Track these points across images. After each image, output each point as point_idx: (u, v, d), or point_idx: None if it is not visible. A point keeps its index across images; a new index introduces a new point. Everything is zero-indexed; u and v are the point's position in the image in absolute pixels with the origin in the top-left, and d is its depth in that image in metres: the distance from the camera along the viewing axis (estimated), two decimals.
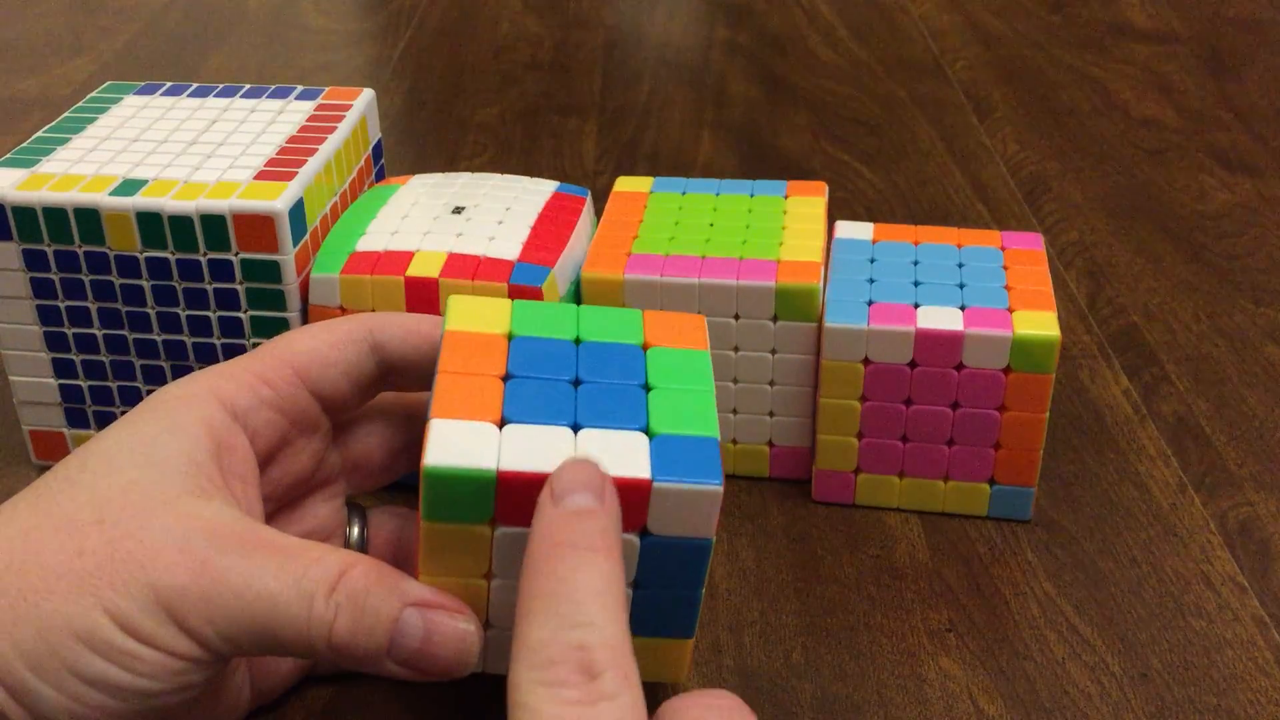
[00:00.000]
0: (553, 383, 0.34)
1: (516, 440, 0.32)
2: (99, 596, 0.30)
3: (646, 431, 0.33)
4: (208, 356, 0.45)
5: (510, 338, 0.35)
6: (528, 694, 0.27)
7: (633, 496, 0.31)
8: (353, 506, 0.40)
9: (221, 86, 0.52)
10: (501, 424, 0.32)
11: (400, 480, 0.41)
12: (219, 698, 0.35)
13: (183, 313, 0.44)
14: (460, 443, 0.32)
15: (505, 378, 0.34)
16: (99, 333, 0.45)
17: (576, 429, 0.33)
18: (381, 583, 0.32)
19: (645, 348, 0.36)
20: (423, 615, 0.32)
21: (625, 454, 0.32)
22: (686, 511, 0.32)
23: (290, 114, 0.49)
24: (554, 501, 0.30)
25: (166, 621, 0.30)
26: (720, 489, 0.32)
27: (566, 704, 0.27)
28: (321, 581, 0.31)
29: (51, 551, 0.31)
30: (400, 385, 0.38)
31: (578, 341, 0.36)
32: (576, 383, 0.34)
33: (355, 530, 0.39)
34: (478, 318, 0.36)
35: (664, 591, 0.33)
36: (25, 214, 0.43)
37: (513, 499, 0.31)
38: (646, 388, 0.34)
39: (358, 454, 0.39)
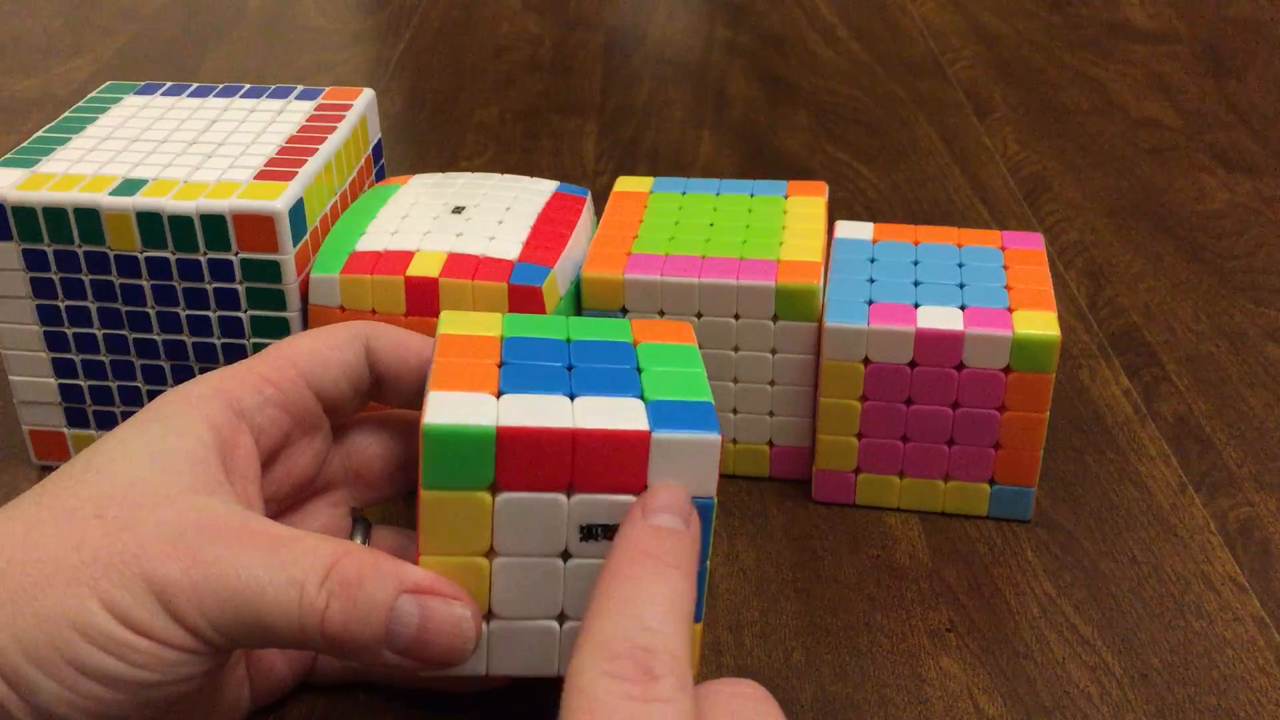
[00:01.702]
0: (547, 367, 0.35)
1: (515, 403, 0.33)
2: (94, 587, 0.30)
3: (642, 399, 0.33)
4: (208, 356, 0.45)
5: (503, 339, 0.36)
6: (590, 682, 0.28)
7: (632, 451, 0.32)
8: (358, 520, 0.40)
9: (221, 86, 0.52)
10: (499, 396, 0.33)
11: (407, 498, 0.41)
12: (218, 698, 0.36)
13: (183, 313, 0.44)
14: (459, 406, 0.32)
15: (500, 365, 0.35)
16: (99, 333, 0.45)
17: (573, 398, 0.33)
18: (376, 570, 0.32)
19: (634, 344, 0.37)
20: (418, 602, 0.32)
21: (622, 412, 0.32)
22: (686, 465, 0.32)
23: (290, 114, 0.49)
24: (643, 515, 0.32)
25: (160, 612, 0.31)
26: (719, 438, 0.32)
27: (624, 697, 0.27)
28: (312, 569, 0.31)
29: (51, 545, 0.31)
30: (386, 399, 0.39)
31: (569, 341, 0.36)
32: (570, 368, 0.35)
33: (358, 541, 0.39)
34: (469, 325, 0.37)
35: None
36: (25, 214, 0.43)
37: (513, 458, 0.32)
38: (638, 370, 0.35)
39: (359, 463, 0.39)
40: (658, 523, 0.31)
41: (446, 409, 0.32)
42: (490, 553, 0.33)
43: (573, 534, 0.33)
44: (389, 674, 0.38)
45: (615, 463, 0.32)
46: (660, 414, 0.33)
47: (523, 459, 0.32)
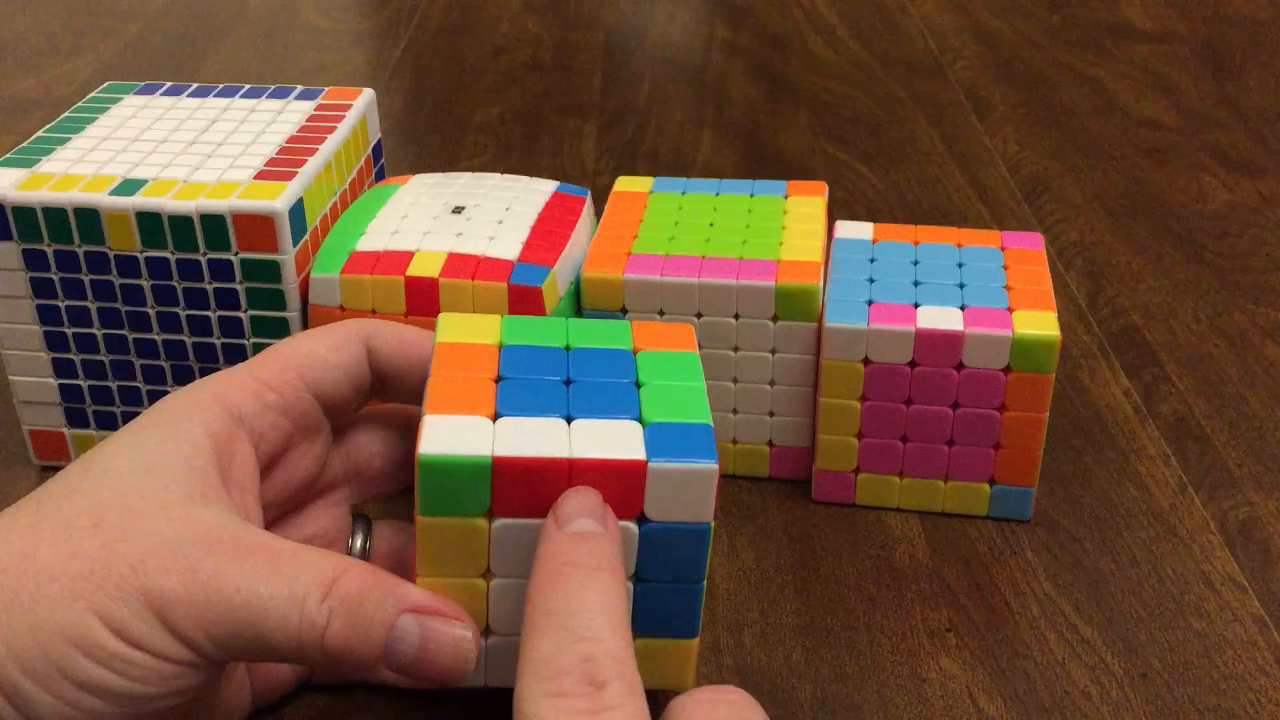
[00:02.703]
0: (544, 382, 0.34)
1: (510, 429, 0.32)
2: (91, 600, 0.30)
3: (640, 421, 0.33)
4: (208, 356, 0.45)
5: (500, 347, 0.36)
6: (535, 705, 0.27)
7: (629, 480, 0.32)
8: (358, 517, 0.40)
9: (221, 86, 0.52)
10: (495, 419, 0.33)
11: (406, 492, 0.41)
12: (219, 700, 0.35)
13: (183, 313, 0.44)
14: (454, 433, 0.32)
15: (497, 380, 0.34)
16: (99, 333, 0.45)
17: (570, 420, 0.33)
18: (377, 588, 0.32)
19: (634, 352, 0.36)
20: (419, 622, 0.32)
21: (620, 439, 0.32)
22: (683, 493, 0.32)
23: (290, 114, 0.49)
24: (558, 526, 0.31)
25: (158, 626, 0.30)
26: (716, 468, 0.32)
27: (573, 714, 0.27)
28: (313, 585, 0.31)
29: (47, 554, 0.31)
30: (389, 396, 0.39)
31: (568, 349, 0.36)
32: (568, 383, 0.34)
33: (359, 540, 0.39)
34: (467, 331, 0.36)
35: (665, 585, 0.33)
36: (25, 214, 0.43)
37: (509, 486, 0.32)
38: (638, 385, 0.35)
39: (359, 461, 0.39)
40: (574, 529, 0.31)
41: (442, 437, 0.32)
42: (487, 573, 0.33)
43: None
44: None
45: (612, 490, 0.32)
46: (657, 440, 0.32)
47: (519, 487, 0.32)
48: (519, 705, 0.28)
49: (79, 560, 0.30)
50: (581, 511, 0.31)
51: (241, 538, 0.32)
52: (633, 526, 0.32)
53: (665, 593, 0.33)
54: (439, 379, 0.34)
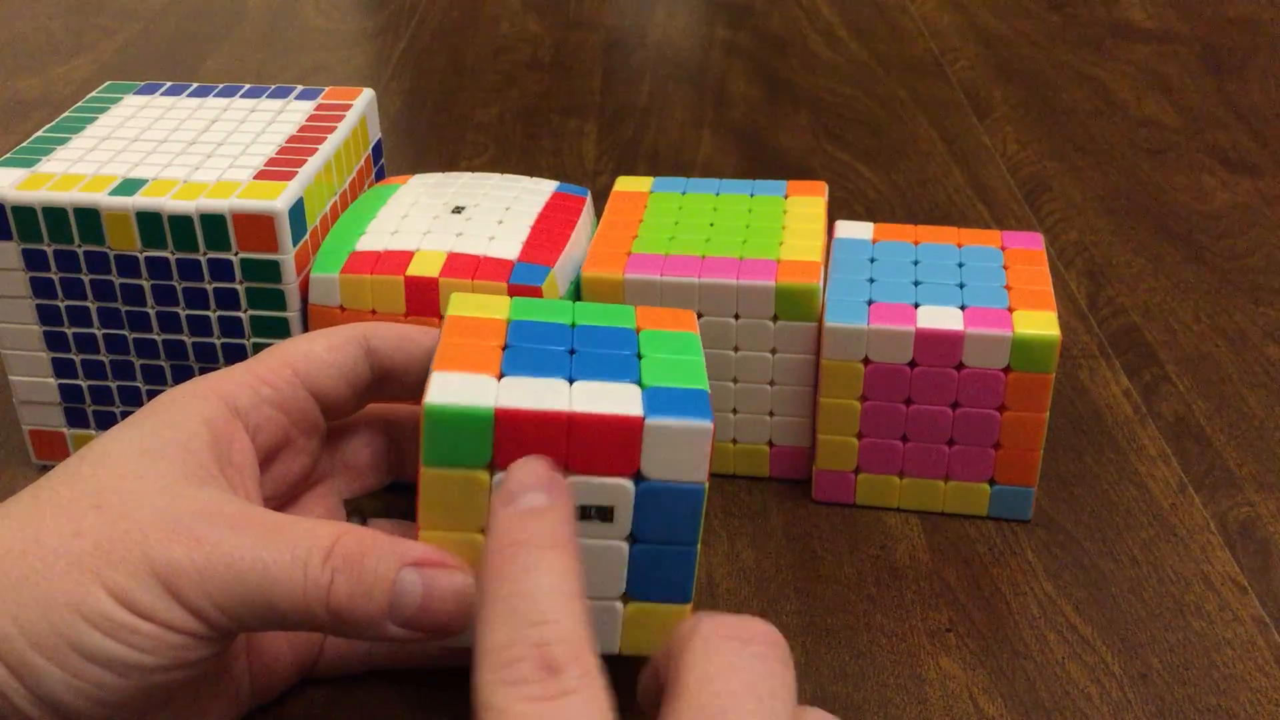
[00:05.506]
0: (549, 351, 0.35)
1: (514, 385, 0.33)
2: (98, 573, 0.31)
3: (639, 385, 0.34)
4: (208, 356, 0.45)
5: (509, 322, 0.37)
6: (492, 694, 0.27)
7: (626, 436, 0.32)
8: (352, 513, 0.40)
9: (221, 86, 0.52)
10: (500, 379, 0.34)
11: (392, 487, 0.42)
12: (219, 691, 0.36)
13: (183, 312, 0.44)
14: (460, 386, 0.33)
15: (504, 348, 0.35)
16: (99, 332, 0.45)
17: (572, 381, 0.34)
18: (376, 546, 0.32)
19: (637, 331, 0.37)
20: (420, 574, 0.32)
21: (619, 397, 0.33)
22: (678, 451, 0.33)
23: (290, 114, 0.49)
24: (504, 503, 0.31)
25: (165, 596, 0.31)
26: (711, 426, 0.33)
27: (531, 700, 0.27)
28: (315, 548, 0.32)
29: (50, 534, 0.31)
30: (391, 394, 0.39)
31: (573, 325, 0.37)
32: (572, 352, 0.35)
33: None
34: (478, 307, 0.37)
35: (659, 547, 0.34)
36: (25, 214, 0.43)
37: (510, 439, 0.32)
38: (639, 356, 0.36)
39: (346, 454, 0.40)
40: (522, 506, 0.31)
41: (448, 389, 0.33)
42: (487, 529, 0.33)
43: None
44: (390, 656, 0.39)
45: (609, 446, 0.33)
46: (655, 400, 0.33)
47: (520, 440, 0.32)
48: (476, 695, 0.28)
49: (83, 538, 0.31)
50: (527, 485, 0.31)
51: (241, 511, 0.32)
52: (629, 484, 0.33)
53: (659, 555, 0.34)
54: (448, 344, 0.35)
